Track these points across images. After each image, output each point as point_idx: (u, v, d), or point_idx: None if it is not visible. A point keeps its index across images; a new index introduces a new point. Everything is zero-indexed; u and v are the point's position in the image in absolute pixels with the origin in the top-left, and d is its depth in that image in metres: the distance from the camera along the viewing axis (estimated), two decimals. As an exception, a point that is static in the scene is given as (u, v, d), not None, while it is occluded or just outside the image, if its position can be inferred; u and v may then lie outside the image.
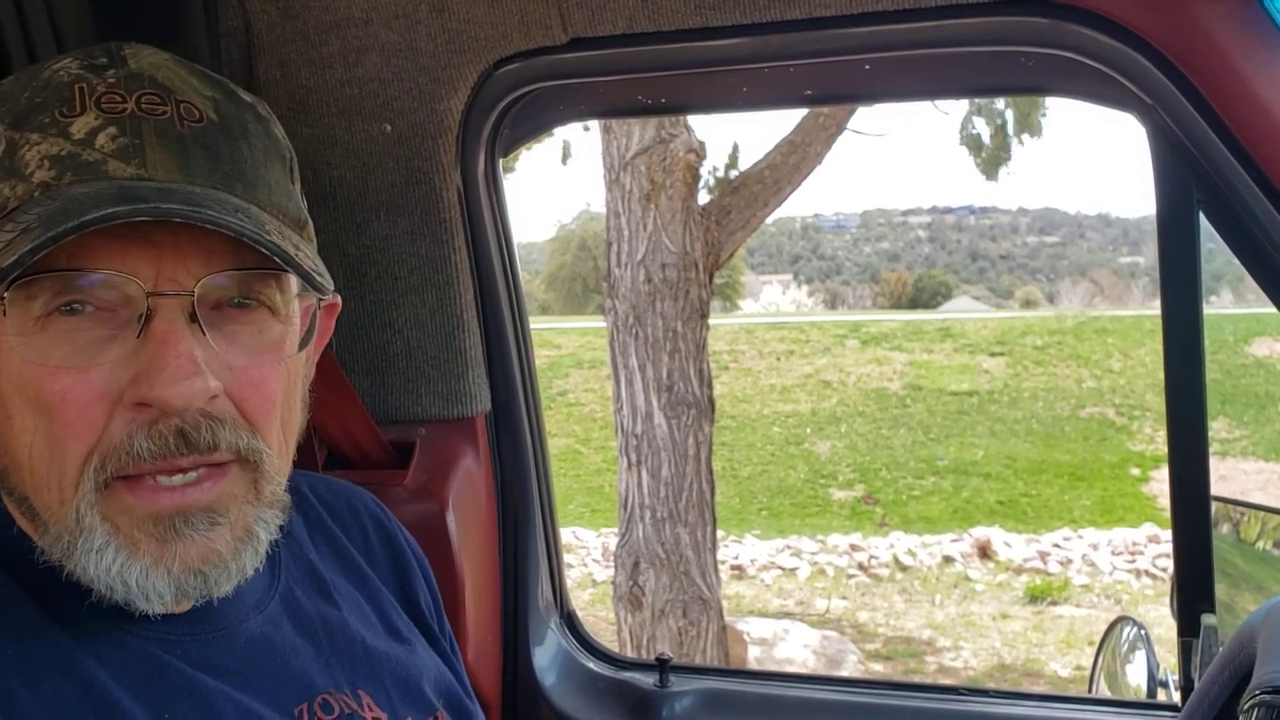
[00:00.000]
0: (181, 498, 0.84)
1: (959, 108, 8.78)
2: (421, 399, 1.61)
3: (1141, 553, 11.32)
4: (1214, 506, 1.53)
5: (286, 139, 0.98)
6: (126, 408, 0.82)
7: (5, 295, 0.80)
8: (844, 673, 8.20)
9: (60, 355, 0.81)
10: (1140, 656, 1.66)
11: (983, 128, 8.84)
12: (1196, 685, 1.25)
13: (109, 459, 0.82)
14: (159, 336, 0.82)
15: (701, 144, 5.80)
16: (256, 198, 0.88)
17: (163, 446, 0.82)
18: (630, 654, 5.45)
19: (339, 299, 1.02)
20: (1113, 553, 11.41)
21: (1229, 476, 13.02)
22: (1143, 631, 1.71)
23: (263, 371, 0.89)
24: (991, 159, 8.86)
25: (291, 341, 0.92)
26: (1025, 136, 8.80)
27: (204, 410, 0.84)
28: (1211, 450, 1.50)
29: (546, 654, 1.73)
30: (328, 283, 0.90)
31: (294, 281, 0.91)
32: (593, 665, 1.76)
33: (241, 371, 0.87)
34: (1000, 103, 8.60)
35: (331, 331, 1.06)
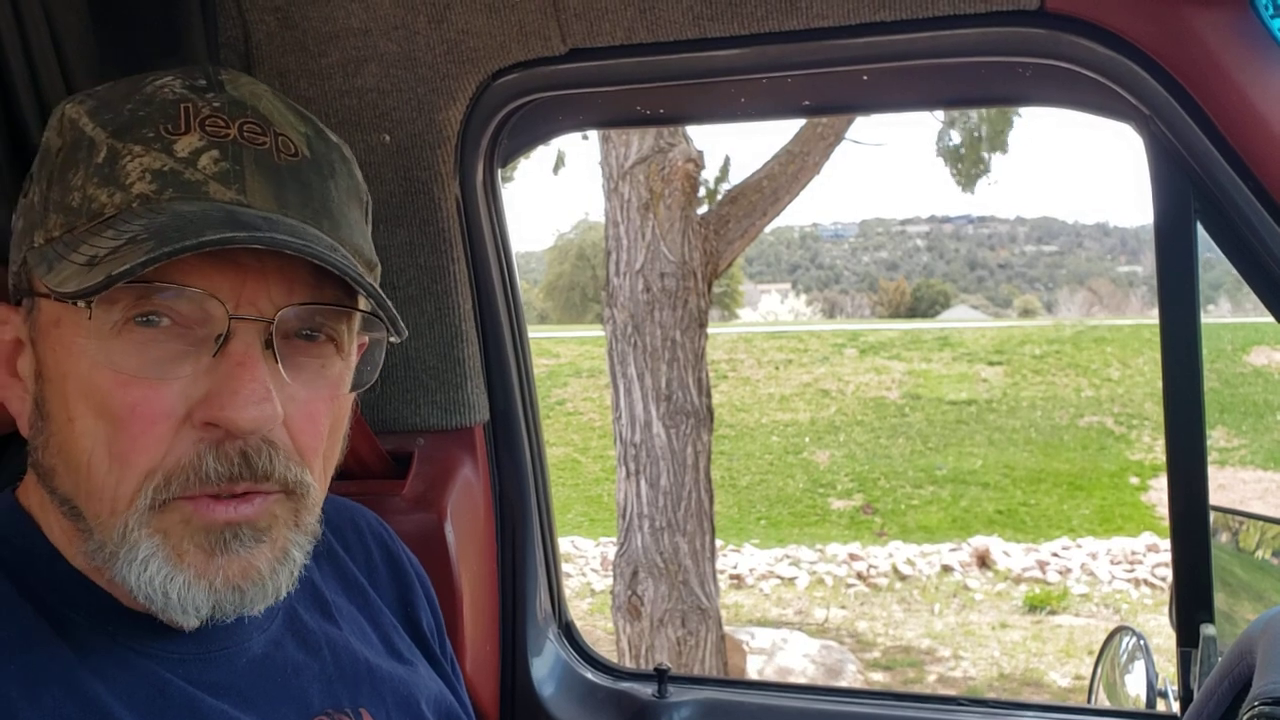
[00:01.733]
0: (235, 511, 0.84)
1: (948, 115, 8.83)
2: (420, 409, 1.61)
3: (1140, 562, 11.32)
4: (1213, 516, 1.53)
5: (364, 183, 0.99)
6: (195, 426, 0.82)
7: (93, 300, 0.81)
8: (843, 682, 8.18)
9: (134, 365, 0.82)
10: (1139, 666, 1.66)
11: (959, 140, 8.91)
12: (1196, 696, 1.24)
13: (174, 478, 0.82)
14: (236, 359, 0.82)
15: (700, 153, 5.81)
16: (340, 236, 0.89)
17: (230, 469, 0.83)
18: (629, 663, 5.44)
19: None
20: (1111, 562, 11.40)
21: (1227, 485, 13.03)
22: (1142, 641, 1.71)
23: (317, 406, 0.90)
24: (968, 171, 8.93)
25: (348, 380, 0.94)
26: (994, 154, 8.88)
27: (265, 437, 0.84)
28: (1210, 459, 1.50)
29: (545, 664, 1.72)
30: (403, 327, 0.91)
31: (358, 319, 0.93)
32: (591, 676, 1.75)
33: (301, 404, 0.88)
34: (974, 116, 8.65)
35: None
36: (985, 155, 8.75)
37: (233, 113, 0.87)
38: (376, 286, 0.87)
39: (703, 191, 6.23)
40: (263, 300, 0.84)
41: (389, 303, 0.88)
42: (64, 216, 0.85)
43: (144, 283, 0.80)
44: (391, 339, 0.95)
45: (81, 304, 0.81)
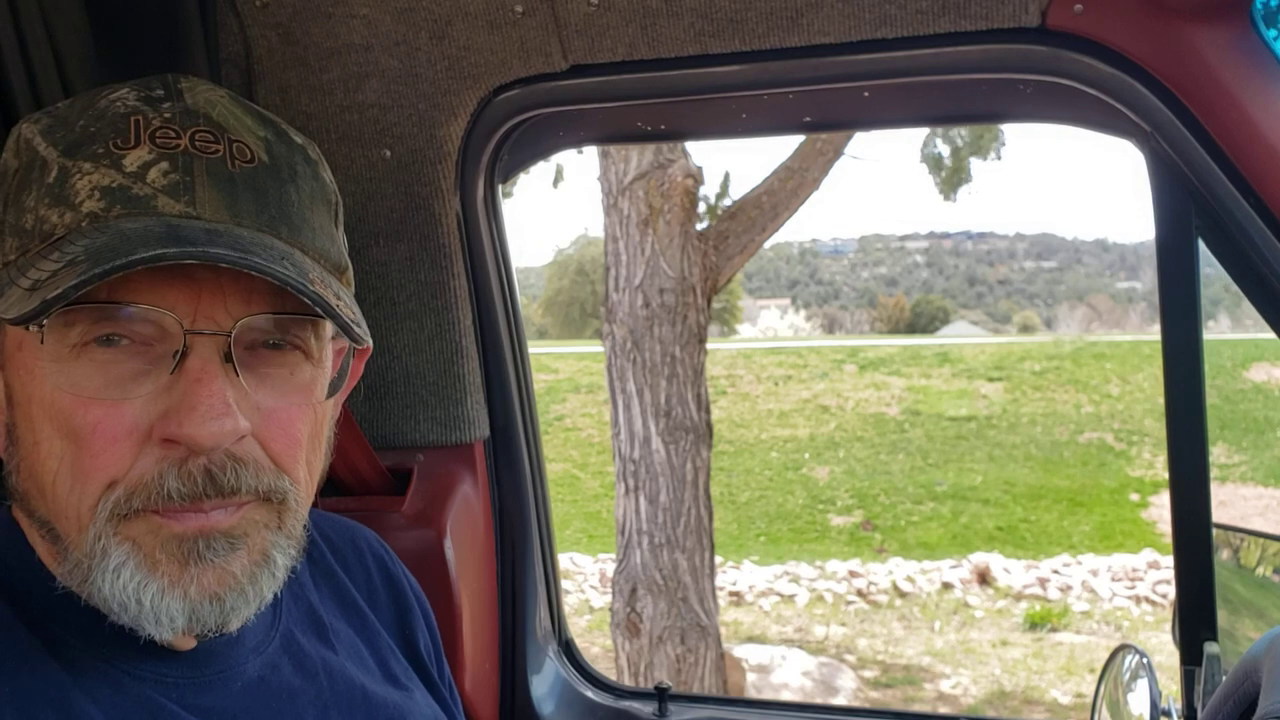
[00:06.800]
0: (206, 520, 0.83)
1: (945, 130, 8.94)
2: (420, 425, 1.61)
3: (1141, 579, 11.29)
4: (1215, 533, 1.53)
5: (334, 182, 0.98)
6: (156, 443, 0.81)
7: (44, 322, 0.80)
8: (842, 701, 8.15)
9: (94, 386, 0.81)
10: (1142, 685, 1.65)
11: (943, 148, 9.01)
12: (1200, 715, 1.24)
13: (136, 493, 0.81)
14: (193, 375, 0.81)
15: (699, 169, 5.82)
16: (300, 242, 0.88)
17: (192, 488, 0.82)
18: (628, 681, 5.42)
19: (371, 344, 1.02)
20: (1113, 579, 11.38)
21: (1229, 502, 13.01)
22: (1145, 659, 1.70)
23: (290, 413, 0.88)
24: (950, 179, 9.03)
25: (322, 386, 0.92)
26: (978, 160, 8.99)
27: (229, 451, 0.83)
28: (1211, 476, 1.50)
29: (544, 683, 1.71)
30: (365, 333, 0.89)
31: (330, 325, 0.91)
32: (591, 694, 1.74)
33: (270, 413, 0.86)
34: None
35: (361, 374, 1.05)
36: (968, 163, 8.85)
37: (185, 122, 0.86)
38: (325, 292, 0.85)
39: (702, 207, 6.24)
40: (220, 313, 0.83)
41: (341, 309, 0.86)
42: (19, 239, 0.84)
43: (96, 303, 0.79)
44: (357, 346, 0.94)
45: (34, 328, 0.80)
